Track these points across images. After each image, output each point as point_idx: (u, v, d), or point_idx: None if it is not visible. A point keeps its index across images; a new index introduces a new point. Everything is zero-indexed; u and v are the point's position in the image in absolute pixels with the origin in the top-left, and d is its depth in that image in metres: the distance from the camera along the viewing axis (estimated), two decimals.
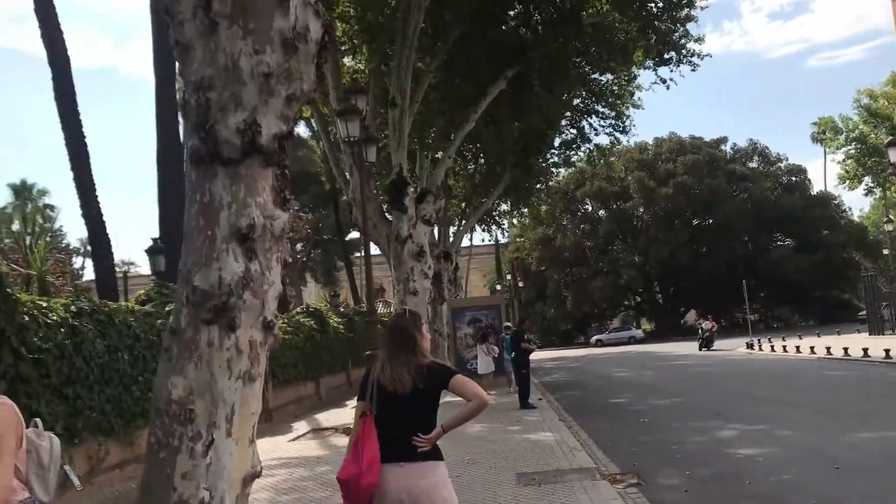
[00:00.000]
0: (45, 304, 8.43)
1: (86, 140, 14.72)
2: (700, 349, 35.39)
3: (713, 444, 9.97)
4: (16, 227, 62.40)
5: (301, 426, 15.54)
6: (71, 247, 62.08)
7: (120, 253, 70.29)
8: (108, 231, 15.11)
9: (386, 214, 21.74)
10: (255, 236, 6.49)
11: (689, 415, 13.05)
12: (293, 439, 13.47)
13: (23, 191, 58.48)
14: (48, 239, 52.69)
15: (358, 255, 60.61)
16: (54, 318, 8.41)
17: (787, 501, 6.74)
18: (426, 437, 3.66)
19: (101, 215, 14.90)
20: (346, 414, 13.97)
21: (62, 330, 8.51)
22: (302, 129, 45.78)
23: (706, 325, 38.42)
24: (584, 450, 9.92)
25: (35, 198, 58.62)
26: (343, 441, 12.64)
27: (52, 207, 59.06)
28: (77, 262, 56.06)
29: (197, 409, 6.19)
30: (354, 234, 44.35)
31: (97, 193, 14.73)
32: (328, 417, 16.80)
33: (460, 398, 3.77)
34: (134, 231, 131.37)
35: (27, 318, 7.80)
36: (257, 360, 6.57)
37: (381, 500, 3.69)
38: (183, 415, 6.17)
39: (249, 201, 6.55)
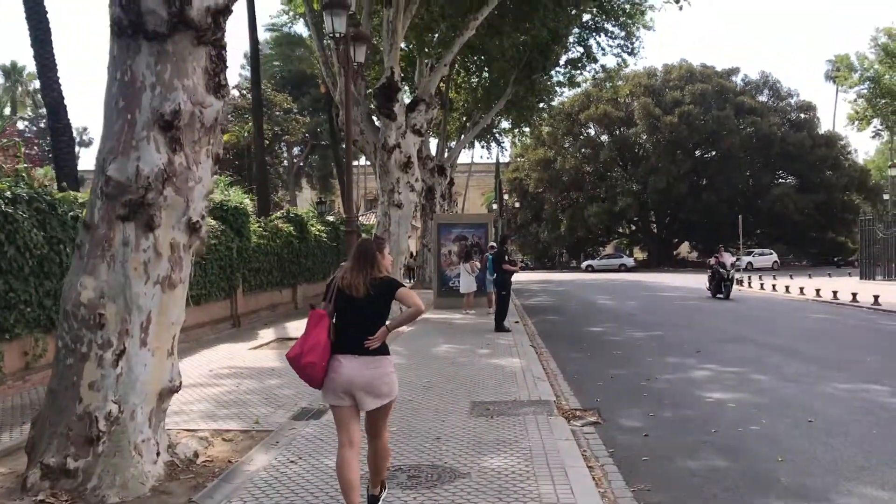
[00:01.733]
0: None
1: (46, 15, 13.70)
2: (715, 294, 24.73)
3: (684, 384, 9.48)
4: (7, 111, 61.31)
5: (268, 334, 15.11)
6: None
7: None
8: (68, 115, 14.27)
9: (375, 121, 20.87)
10: (180, 124, 5.75)
11: (666, 350, 12.58)
12: (254, 347, 13.02)
13: (12, 73, 57.00)
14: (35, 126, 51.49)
15: (355, 163, 59.80)
16: None
17: (752, 457, 6.23)
18: (374, 337, 4.45)
19: (62, 98, 14.00)
20: None
21: None
22: (301, 28, 44.40)
23: (728, 258, 25.49)
24: (548, 380, 9.44)
25: (25, 81, 57.24)
26: None
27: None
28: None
29: (108, 314, 5.58)
30: None
31: (58, 74, 13.83)
32: (298, 326, 16.30)
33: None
34: None
35: None
36: (179, 264, 5.93)
37: (333, 382, 4.48)
38: (92, 319, 5.56)
39: (176, 84, 5.78)
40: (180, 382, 5.88)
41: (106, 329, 5.40)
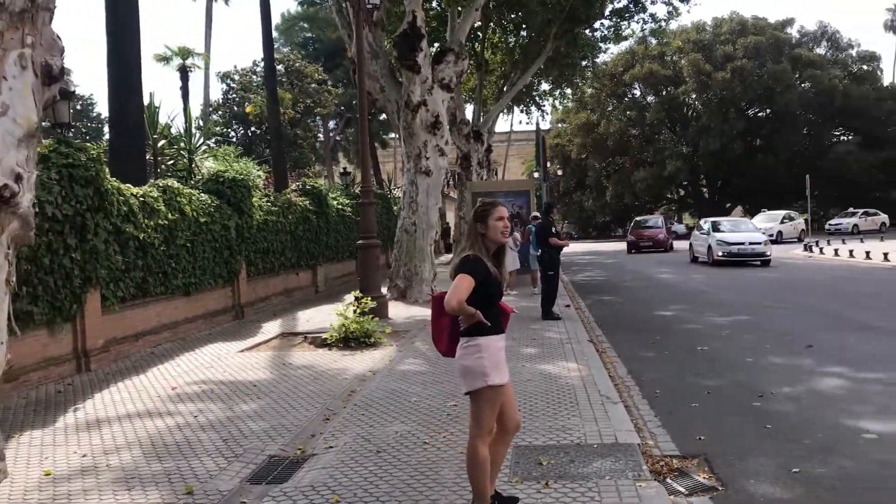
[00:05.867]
0: None
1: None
2: None
3: (816, 403, 6.76)
4: None
5: (272, 328, 12.68)
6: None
7: None
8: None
9: (399, 78, 18.23)
10: None
11: (765, 344, 9.83)
12: (247, 349, 10.54)
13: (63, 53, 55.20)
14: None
15: (393, 135, 57.28)
16: None
17: None
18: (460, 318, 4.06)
19: None
20: (334, 311, 10.93)
21: None
22: None
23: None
24: (622, 401, 6.80)
25: None
26: (306, 355, 9.78)
27: (67, 71, 55.95)
28: None
29: None
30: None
31: None
32: (311, 316, 13.93)
33: None
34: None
35: None
36: None
37: None
38: None
39: None
40: None
41: None
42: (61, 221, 8.47)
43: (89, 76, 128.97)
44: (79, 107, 65.58)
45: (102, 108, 55.41)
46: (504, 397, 4.11)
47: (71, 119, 9.86)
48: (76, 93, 58.02)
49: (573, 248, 43.66)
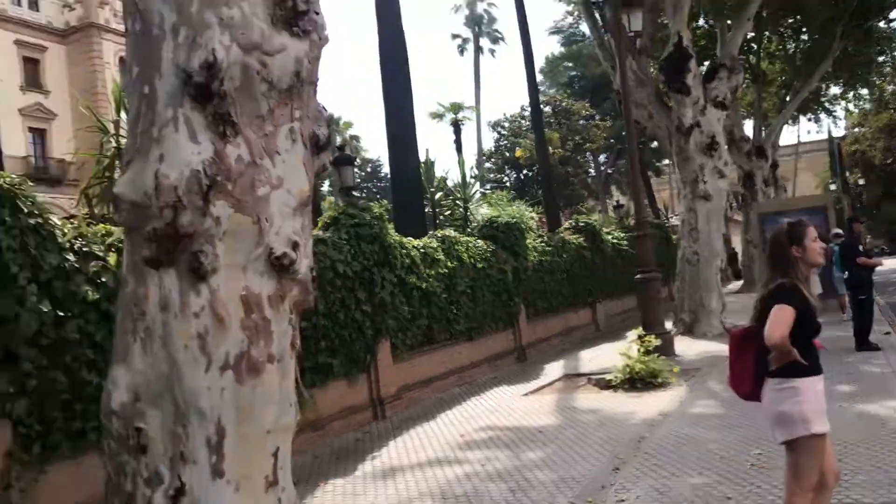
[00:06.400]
0: None
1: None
2: None
3: None
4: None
5: (554, 370, 12.51)
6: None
7: None
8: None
9: (668, 103, 17.54)
10: (225, 88, 3.31)
11: None
12: (529, 392, 10.45)
13: (330, 123, 61.59)
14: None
15: (666, 162, 55.65)
16: None
17: None
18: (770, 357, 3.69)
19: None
20: (616, 351, 10.48)
21: None
22: (585, 27, 41.89)
23: None
24: None
25: (342, 130, 61.60)
26: (590, 398, 9.46)
27: (357, 138, 61.64)
28: None
29: (149, 429, 3.35)
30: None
31: None
32: (593, 356, 13.58)
33: None
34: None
35: None
36: (264, 332, 3.42)
37: None
38: (130, 437, 3.37)
39: (210, 18, 3.31)
40: None
41: (151, 454, 3.16)
42: (352, 278, 9.05)
43: (377, 142, 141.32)
44: (369, 169, 72.13)
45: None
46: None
47: (356, 181, 10.65)
48: (362, 156, 63.63)
49: (887, 265, 38.83)
